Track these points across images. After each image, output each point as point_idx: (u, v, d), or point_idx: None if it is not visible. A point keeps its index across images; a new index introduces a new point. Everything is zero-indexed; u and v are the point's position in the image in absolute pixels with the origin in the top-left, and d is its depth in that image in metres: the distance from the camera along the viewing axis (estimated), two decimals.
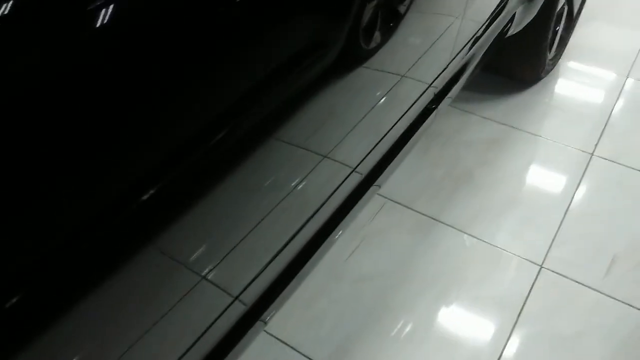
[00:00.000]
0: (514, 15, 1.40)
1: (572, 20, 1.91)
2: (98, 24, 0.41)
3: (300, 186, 0.77)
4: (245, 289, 0.75)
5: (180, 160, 0.51)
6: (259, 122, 0.61)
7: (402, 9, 0.81)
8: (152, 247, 0.53)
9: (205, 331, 0.70)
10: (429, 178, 1.58)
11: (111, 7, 0.41)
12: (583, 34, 2.10)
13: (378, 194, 1.51)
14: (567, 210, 1.47)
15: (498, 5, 1.24)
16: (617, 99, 1.83)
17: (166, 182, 0.51)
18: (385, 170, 1.07)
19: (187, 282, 0.63)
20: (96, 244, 0.46)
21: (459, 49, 1.15)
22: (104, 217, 0.45)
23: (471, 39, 1.19)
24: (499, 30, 1.36)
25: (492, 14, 1.23)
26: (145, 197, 0.49)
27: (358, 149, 0.93)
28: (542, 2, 1.48)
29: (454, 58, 1.15)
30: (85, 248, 0.45)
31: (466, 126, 1.76)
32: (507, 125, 1.75)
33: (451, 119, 1.77)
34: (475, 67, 1.34)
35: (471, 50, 1.25)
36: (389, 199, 1.51)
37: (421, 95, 1.07)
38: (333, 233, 0.96)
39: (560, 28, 1.80)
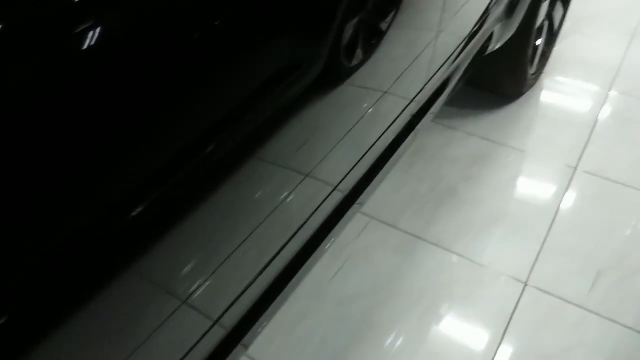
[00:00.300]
0: (492, 33, 1.46)
1: (553, 34, 1.98)
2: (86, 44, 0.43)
3: (282, 206, 0.79)
4: (225, 311, 0.76)
5: (159, 179, 0.52)
6: (239, 142, 0.62)
7: (382, 26, 0.85)
8: (127, 269, 0.54)
9: (184, 357, 0.71)
10: (412, 194, 1.63)
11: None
12: (565, 47, 2.18)
13: (361, 212, 1.55)
14: (551, 225, 1.52)
15: (476, 24, 1.30)
16: (600, 112, 1.90)
17: (145, 201, 0.52)
18: (368, 188, 1.11)
19: (164, 305, 0.63)
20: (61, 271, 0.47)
21: (438, 66, 1.20)
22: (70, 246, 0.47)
23: (450, 56, 1.24)
24: (478, 48, 1.42)
25: (469, 32, 1.29)
26: (119, 221, 0.50)
27: (340, 167, 0.95)
28: (520, 19, 1.54)
29: (433, 75, 1.19)
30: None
31: (450, 142, 1.81)
32: (491, 140, 1.81)
33: (435, 135, 1.83)
34: (456, 84, 1.39)
35: (451, 67, 1.30)
36: (372, 217, 1.55)
37: (402, 111, 1.11)
38: (315, 253, 0.98)
39: (541, 43, 1.88)
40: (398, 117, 1.10)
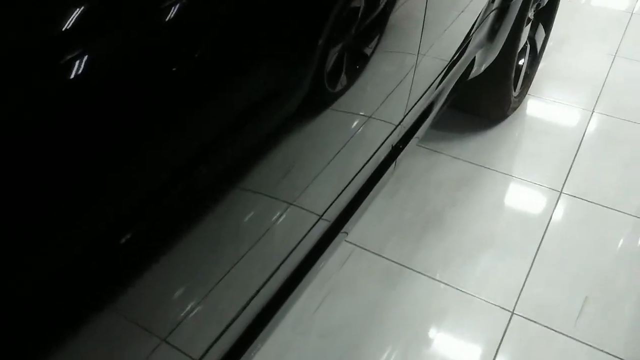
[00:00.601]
0: (474, 58, 1.51)
1: (535, 56, 2.05)
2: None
3: (264, 237, 0.79)
4: (208, 349, 0.76)
5: (139, 205, 0.53)
6: (220, 171, 0.62)
7: (365, 52, 0.87)
8: (97, 317, 0.53)
9: None
10: (397, 221, 1.65)
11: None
12: (548, 67, 2.26)
13: (346, 241, 1.57)
14: (537, 250, 1.56)
15: (457, 50, 1.35)
16: (584, 133, 1.96)
17: (121, 234, 0.52)
18: (353, 216, 1.12)
19: (144, 344, 0.63)
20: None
21: (421, 93, 1.24)
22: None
23: (432, 83, 1.28)
24: (461, 73, 1.47)
25: (451, 58, 1.33)
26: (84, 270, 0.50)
27: (325, 195, 0.96)
28: (502, 43, 1.60)
29: (417, 102, 1.23)
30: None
31: (434, 165, 1.85)
32: (476, 163, 1.85)
33: (419, 158, 1.86)
34: (440, 108, 1.43)
35: (434, 93, 1.34)
36: (357, 246, 1.57)
37: (387, 137, 1.13)
38: (300, 285, 0.99)
39: (524, 65, 1.94)
40: (383, 143, 1.13)
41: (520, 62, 1.89)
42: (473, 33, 1.39)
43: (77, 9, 0.45)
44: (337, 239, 1.07)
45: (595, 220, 1.65)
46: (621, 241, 1.58)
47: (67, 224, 0.47)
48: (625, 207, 1.68)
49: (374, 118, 1.02)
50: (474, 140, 1.93)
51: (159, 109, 0.52)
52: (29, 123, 0.42)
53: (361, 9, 0.80)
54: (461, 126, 1.98)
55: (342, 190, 1.03)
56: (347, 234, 1.13)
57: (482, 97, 1.84)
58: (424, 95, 1.26)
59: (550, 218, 1.65)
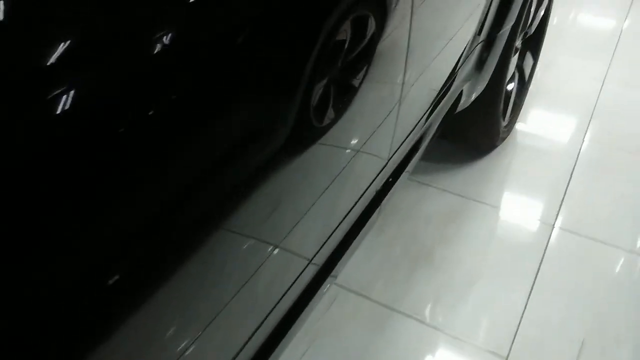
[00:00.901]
0: (462, 91, 1.49)
1: (524, 84, 2.04)
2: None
3: (248, 284, 0.75)
4: None
5: (118, 251, 0.51)
6: (203, 212, 0.60)
7: (350, 88, 0.84)
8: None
9: None
10: (385, 260, 1.61)
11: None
12: (536, 94, 2.24)
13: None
14: (530, 290, 1.52)
15: (443, 86, 1.32)
16: (576, 162, 1.94)
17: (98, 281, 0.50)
18: (343, 258, 1.08)
19: None
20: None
21: (407, 131, 1.21)
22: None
23: (418, 121, 1.25)
24: (448, 108, 1.44)
25: (437, 94, 1.30)
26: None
27: (313, 237, 0.93)
28: (489, 75, 1.57)
29: (405, 139, 1.20)
30: None
31: (423, 198, 1.81)
32: (465, 197, 1.81)
33: (408, 192, 1.83)
34: (429, 143, 1.40)
35: (422, 129, 1.31)
36: (343, 287, 1.52)
37: (378, 175, 1.11)
38: (285, 339, 0.95)
39: (512, 94, 1.92)
40: (373, 181, 1.10)
41: (509, 88, 1.87)
42: (459, 67, 1.36)
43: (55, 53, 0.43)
44: (325, 284, 1.03)
45: (588, 257, 1.61)
46: (617, 278, 1.55)
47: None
48: (619, 241, 1.65)
49: (363, 152, 0.99)
50: (462, 172, 1.90)
51: (144, 147, 0.50)
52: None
53: (343, 51, 0.77)
54: (449, 156, 1.95)
55: (332, 232, 0.99)
56: (335, 277, 1.09)
57: (470, 128, 1.81)
58: (412, 132, 1.23)
59: (543, 255, 1.61)
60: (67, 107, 0.43)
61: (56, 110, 0.43)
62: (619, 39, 2.65)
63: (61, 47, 0.43)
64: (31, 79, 0.42)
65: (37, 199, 0.43)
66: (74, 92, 0.43)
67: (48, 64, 0.43)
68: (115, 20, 0.48)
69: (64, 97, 0.43)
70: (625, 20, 2.80)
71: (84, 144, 0.45)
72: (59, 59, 0.43)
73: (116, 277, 0.51)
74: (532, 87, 2.14)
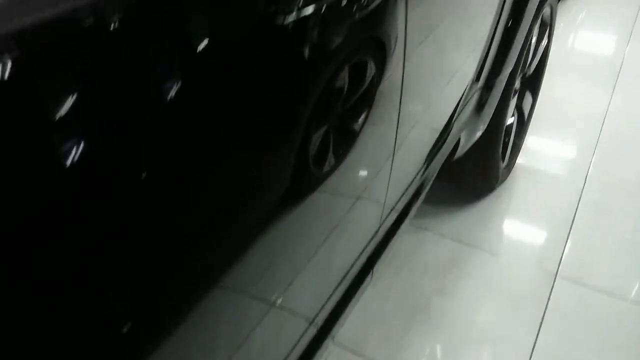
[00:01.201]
0: (459, 139, 1.44)
1: (524, 124, 2.00)
2: None
3: (242, 349, 0.71)
4: None
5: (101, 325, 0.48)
6: (194, 271, 0.57)
7: (349, 137, 0.82)
8: None
9: None
10: (380, 313, 1.55)
11: None
12: (536, 130, 2.20)
13: None
14: (533, 348, 1.46)
15: (440, 136, 1.28)
16: (577, 206, 1.89)
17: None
18: (343, 314, 1.04)
19: None
20: None
21: (406, 183, 1.17)
22: None
23: (415, 175, 1.21)
24: (446, 156, 1.40)
25: (433, 144, 1.26)
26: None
27: (314, 295, 0.89)
28: (488, 120, 1.53)
29: (404, 192, 1.16)
30: None
31: (421, 245, 1.75)
32: (464, 243, 1.76)
33: (406, 237, 1.77)
34: (428, 189, 1.36)
35: (421, 179, 1.27)
36: (335, 344, 1.46)
37: (379, 228, 1.08)
38: None
39: (512, 135, 1.88)
40: (373, 236, 1.07)
41: (508, 129, 1.83)
42: (457, 115, 1.32)
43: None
44: (323, 346, 1.00)
45: (593, 309, 1.55)
46: (623, 333, 1.49)
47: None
48: (624, 292, 1.59)
49: (361, 199, 0.95)
50: (461, 216, 1.85)
51: (141, 199, 0.49)
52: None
53: (337, 105, 0.74)
54: (447, 199, 1.90)
55: (334, 291, 0.96)
56: (333, 338, 1.04)
57: (470, 171, 1.76)
58: (410, 184, 1.20)
59: (546, 308, 1.56)
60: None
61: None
62: (621, 67, 2.62)
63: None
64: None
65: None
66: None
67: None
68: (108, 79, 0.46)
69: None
70: (627, 45, 2.77)
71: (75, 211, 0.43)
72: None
73: (104, 338, 0.48)
74: (531, 123, 2.09)
